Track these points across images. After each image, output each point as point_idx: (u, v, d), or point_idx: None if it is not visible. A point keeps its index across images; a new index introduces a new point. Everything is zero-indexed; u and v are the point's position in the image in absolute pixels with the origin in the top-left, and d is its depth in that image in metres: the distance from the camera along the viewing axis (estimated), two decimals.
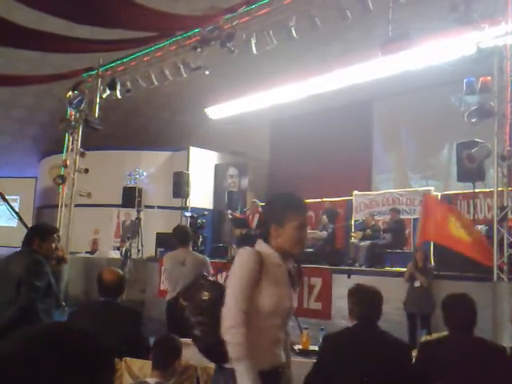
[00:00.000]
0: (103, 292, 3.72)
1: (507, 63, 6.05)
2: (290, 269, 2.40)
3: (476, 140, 6.68)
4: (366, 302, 3.10)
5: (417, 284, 7.32)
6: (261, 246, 2.36)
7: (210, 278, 2.58)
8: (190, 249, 5.87)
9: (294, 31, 7.90)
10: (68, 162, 11.55)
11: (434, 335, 3.98)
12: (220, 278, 10.10)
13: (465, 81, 6.38)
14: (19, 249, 4.10)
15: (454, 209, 8.45)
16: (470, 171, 7.25)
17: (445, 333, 3.23)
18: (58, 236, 11.75)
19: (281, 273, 2.33)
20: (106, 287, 3.72)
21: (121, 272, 3.98)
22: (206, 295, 2.35)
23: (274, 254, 2.32)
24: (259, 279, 2.23)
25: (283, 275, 2.34)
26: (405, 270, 7.73)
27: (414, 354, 3.25)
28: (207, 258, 5.93)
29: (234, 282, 2.25)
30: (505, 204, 6.02)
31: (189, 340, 4.40)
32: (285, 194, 2.49)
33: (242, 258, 2.30)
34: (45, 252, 3.98)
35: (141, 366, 3.51)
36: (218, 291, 2.32)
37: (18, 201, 18.86)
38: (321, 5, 7.67)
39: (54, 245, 4.10)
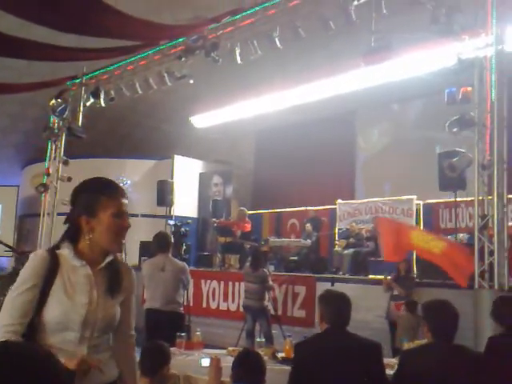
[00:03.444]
0: None
1: (487, 74, 6.15)
2: (117, 268, 2.12)
3: (457, 149, 6.78)
4: (335, 306, 3.16)
5: (395, 293, 7.39)
6: (62, 246, 2.07)
7: None
8: (170, 255, 5.86)
9: (278, 41, 7.96)
10: (51, 171, 11.46)
11: (416, 342, 4.02)
12: (204, 287, 10.12)
13: (446, 91, 6.47)
14: None
15: (413, 226, 8.54)
16: (452, 180, 7.34)
17: (425, 340, 3.26)
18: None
19: (81, 276, 2.01)
20: None
21: None
22: None
23: (71, 255, 2.03)
24: (48, 286, 1.94)
25: (83, 280, 2.01)
26: (388, 278, 7.79)
27: (396, 361, 3.29)
28: (186, 266, 5.93)
29: (15, 287, 1.96)
30: (485, 212, 6.10)
31: (171, 349, 4.40)
32: (93, 178, 2.20)
33: (30, 261, 2.01)
34: None
35: None
36: None
37: (0, 209, 18.65)
38: (304, 15, 7.75)
39: None
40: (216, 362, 3.86)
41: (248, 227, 11.49)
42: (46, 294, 1.92)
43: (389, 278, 7.54)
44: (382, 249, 8.10)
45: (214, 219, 12.56)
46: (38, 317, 1.91)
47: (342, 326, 3.12)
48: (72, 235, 2.08)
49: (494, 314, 3.69)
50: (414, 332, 6.55)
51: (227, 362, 3.85)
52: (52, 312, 1.93)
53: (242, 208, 12.01)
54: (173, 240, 6.46)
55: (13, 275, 3.80)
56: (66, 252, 2.03)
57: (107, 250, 2.09)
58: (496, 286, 5.88)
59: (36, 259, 1.99)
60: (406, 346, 4.38)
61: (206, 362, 4.22)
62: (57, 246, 2.08)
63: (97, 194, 2.07)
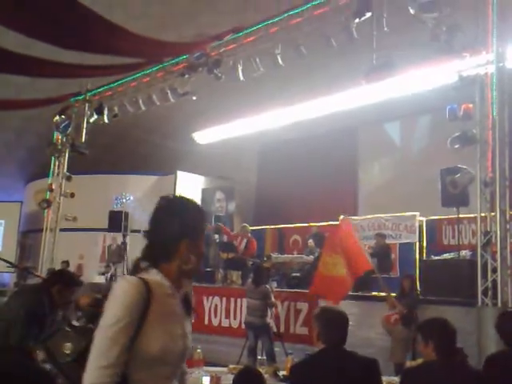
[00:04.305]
0: (85, 318, 3.69)
1: (488, 91, 6.18)
2: (187, 293, 1.94)
3: (459, 166, 6.78)
4: (332, 324, 3.10)
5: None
6: (150, 272, 1.83)
7: (77, 324, 1.83)
8: None
9: (279, 59, 8.03)
10: (54, 186, 11.51)
11: (418, 360, 3.98)
12: (206, 302, 10.08)
13: (447, 108, 6.50)
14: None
15: (325, 247, 8.29)
16: (454, 197, 7.33)
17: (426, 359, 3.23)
18: (67, 262, 11.21)
19: (173, 305, 1.83)
20: (81, 311, 3.69)
21: (98, 296, 3.92)
22: (68, 348, 1.83)
23: (164, 282, 1.82)
24: (143, 318, 1.71)
25: (176, 308, 1.84)
26: (392, 294, 7.75)
27: (398, 379, 3.26)
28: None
29: (108, 323, 1.70)
30: (488, 229, 6.08)
31: None
32: (186, 200, 1.97)
33: (121, 291, 1.75)
34: (60, 300, 3.76)
35: None
36: (84, 342, 1.81)
37: (3, 225, 18.67)
38: (306, 33, 7.82)
39: (71, 297, 3.89)
40: (216, 381, 3.84)
41: (254, 246, 11.40)
42: (140, 327, 1.70)
43: (392, 295, 7.48)
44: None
45: (219, 223, 12.52)
46: (131, 352, 1.69)
47: (338, 345, 3.08)
48: (159, 257, 1.84)
49: (497, 329, 3.66)
50: (406, 344, 6.64)
51: (228, 380, 3.82)
52: (150, 346, 1.71)
53: (244, 224, 12.00)
54: None
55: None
56: (156, 278, 1.80)
57: (190, 272, 1.90)
58: (499, 304, 5.84)
59: (130, 289, 1.73)
60: (409, 363, 4.34)
61: (206, 381, 4.20)
62: (136, 269, 1.85)
63: (200, 217, 1.91)
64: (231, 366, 4.90)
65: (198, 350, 5.04)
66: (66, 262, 11.98)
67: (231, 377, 3.64)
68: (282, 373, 4.67)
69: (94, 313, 3.45)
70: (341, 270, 7.14)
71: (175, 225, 1.84)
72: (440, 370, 3.04)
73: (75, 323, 1.82)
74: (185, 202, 1.95)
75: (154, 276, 1.80)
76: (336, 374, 2.98)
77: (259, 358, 6.13)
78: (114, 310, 1.70)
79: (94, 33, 7.64)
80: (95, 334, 1.70)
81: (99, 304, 3.74)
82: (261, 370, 3.93)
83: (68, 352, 1.65)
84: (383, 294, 8.37)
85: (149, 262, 1.84)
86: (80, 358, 1.71)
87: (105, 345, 1.67)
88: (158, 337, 1.72)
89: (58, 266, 11.61)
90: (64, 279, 3.93)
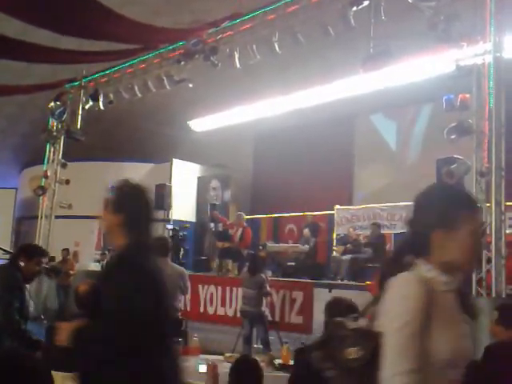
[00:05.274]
0: (80, 306, 3.70)
1: (485, 81, 6.16)
2: (459, 290, 1.77)
3: (455, 156, 6.77)
4: (340, 315, 3.11)
5: None
6: (420, 267, 1.70)
7: (354, 326, 1.75)
8: (169, 260, 5.83)
9: (276, 46, 7.98)
10: (49, 173, 11.46)
11: None
12: (202, 292, 10.09)
13: (444, 98, 6.48)
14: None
15: None
16: None
17: None
18: (67, 250, 11.46)
19: (451, 302, 1.70)
20: (82, 303, 3.71)
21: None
22: (353, 352, 1.67)
23: (439, 277, 1.68)
24: (428, 319, 1.60)
25: (454, 305, 1.71)
26: None
27: None
28: (185, 271, 5.90)
29: (396, 327, 1.58)
30: (483, 220, 6.09)
31: None
32: (447, 187, 1.85)
33: (406, 290, 1.63)
34: (27, 272, 3.97)
35: None
36: (371, 345, 1.64)
37: None
38: (303, 21, 7.76)
39: (38, 267, 4.09)
40: (213, 369, 3.85)
41: (249, 236, 11.36)
42: (428, 330, 1.59)
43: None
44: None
45: (214, 211, 12.50)
46: (422, 357, 1.58)
47: None
48: (421, 250, 1.72)
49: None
50: None
51: (224, 368, 3.84)
52: (440, 350, 1.60)
53: (239, 213, 11.98)
54: (171, 244, 6.44)
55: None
56: (429, 273, 1.68)
57: (461, 268, 1.75)
58: (493, 294, 5.87)
59: (413, 289, 1.62)
60: None
61: (203, 369, 4.21)
62: (400, 263, 1.74)
63: (458, 207, 1.73)
64: (227, 355, 4.92)
65: (195, 339, 5.05)
66: (66, 250, 11.97)
67: (227, 365, 3.66)
68: (278, 361, 4.68)
69: (93, 301, 3.51)
70: None
71: (432, 213, 1.73)
72: None
73: (354, 326, 1.57)
74: (444, 189, 1.89)
75: (427, 272, 1.69)
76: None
77: (255, 346, 6.14)
78: (401, 313, 1.59)
79: (90, 18, 7.58)
80: (382, 337, 1.60)
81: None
82: (257, 358, 3.94)
83: (353, 357, 1.58)
84: None
85: (413, 254, 1.74)
86: (369, 363, 1.60)
87: (398, 350, 1.56)
88: (445, 337, 1.61)
89: (53, 253, 11.63)
90: (26, 252, 4.09)
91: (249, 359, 3.46)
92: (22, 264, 3.94)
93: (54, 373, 3.18)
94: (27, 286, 4.11)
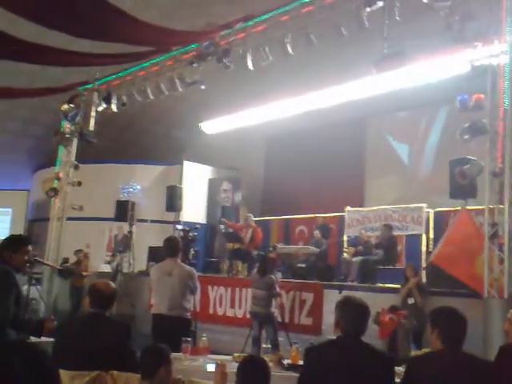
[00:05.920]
0: (95, 302, 3.69)
1: (500, 81, 6.11)
2: None
3: (468, 157, 6.72)
4: (352, 314, 3.09)
5: (411, 301, 7.29)
6: None
7: None
8: (179, 260, 5.82)
9: (289, 48, 7.97)
10: (61, 175, 11.53)
11: (424, 350, 3.95)
12: (211, 292, 10.08)
13: (458, 98, 6.42)
14: None
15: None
16: (462, 188, 7.27)
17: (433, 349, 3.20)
18: (81, 251, 11.51)
19: None
20: (99, 297, 3.69)
21: (113, 285, 3.95)
22: None
23: None
24: None
25: None
26: (397, 286, 7.71)
27: (403, 369, 3.23)
28: (194, 271, 5.88)
29: None
30: (496, 221, 6.03)
31: (176, 354, 4.37)
32: None
33: None
34: (15, 264, 3.91)
35: (127, 380, 3.45)
36: None
37: (11, 213, 18.77)
38: (316, 22, 7.75)
39: (26, 257, 4.01)
40: (221, 368, 3.82)
41: (259, 235, 11.35)
42: None
43: (412, 281, 7.41)
44: (438, 247, 7.71)
45: (222, 219, 12.52)
46: None
47: (356, 335, 3.05)
48: None
49: None
50: (407, 335, 6.73)
51: (233, 367, 3.80)
52: None
53: (248, 214, 11.97)
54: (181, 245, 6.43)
55: None
56: None
57: None
58: (506, 295, 5.80)
59: None
60: (414, 353, 4.31)
61: (211, 368, 4.19)
62: None
63: None
64: (236, 355, 4.88)
65: (204, 338, 5.03)
66: (80, 251, 12.01)
67: (236, 365, 3.62)
68: (286, 361, 4.64)
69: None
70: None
71: None
72: (445, 360, 3.01)
73: None
74: None
75: None
76: (347, 363, 2.95)
77: (263, 346, 6.10)
78: None
79: (104, 21, 7.61)
80: None
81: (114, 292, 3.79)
82: (265, 358, 3.91)
83: None
84: (388, 285, 8.38)
85: None
86: None
87: None
88: None
89: (65, 254, 11.69)
90: (9, 245, 3.99)
91: (256, 358, 3.42)
92: (9, 258, 3.88)
93: (64, 372, 3.21)
94: (38, 287, 4.06)
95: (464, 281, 6.68)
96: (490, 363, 3.26)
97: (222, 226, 12.49)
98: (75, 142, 11.56)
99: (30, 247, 4.05)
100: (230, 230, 12.03)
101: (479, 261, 6.33)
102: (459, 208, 8.44)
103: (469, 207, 8.22)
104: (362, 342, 3.06)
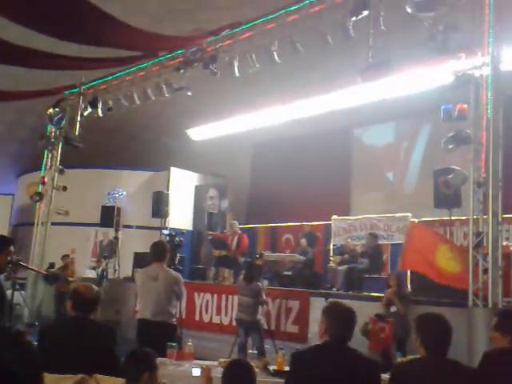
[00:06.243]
0: (77, 306, 3.64)
1: (483, 92, 6.19)
2: None
3: (452, 167, 6.79)
4: (339, 320, 3.10)
5: (393, 309, 7.32)
6: None
7: None
8: (165, 265, 5.80)
9: (276, 55, 8.02)
10: (46, 180, 11.45)
11: (409, 357, 3.97)
12: (197, 299, 10.03)
13: (442, 108, 6.50)
14: None
15: (446, 238, 8.16)
16: (447, 197, 7.34)
17: (418, 355, 3.22)
18: (68, 256, 11.38)
19: None
20: (81, 301, 3.64)
21: (96, 288, 3.91)
22: None
23: None
24: None
25: None
26: (382, 295, 7.74)
27: (388, 376, 3.25)
28: (180, 276, 5.86)
29: None
30: (480, 230, 6.09)
31: (162, 359, 4.35)
32: None
33: None
34: None
35: None
36: None
37: None
38: (303, 30, 7.81)
39: (8, 257, 3.99)
40: (207, 373, 3.82)
41: (245, 241, 11.33)
42: None
43: (389, 291, 7.44)
44: (401, 256, 7.87)
45: (209, 231, 12.52)
46: None
47: (343, 341, 3.07)
48: None
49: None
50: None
51: (218, 373, 3.80)
52: None
53: (232, 221, 11.96)
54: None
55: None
56: None
57: None
58: (490, 305, 5.85)
59: None
60: (399, 360, 4.34)
61: (196, 372, 4.18)
62: None
63: None
64: (221, 360, 4.87)
65: (189, 343, 5.01)
66: (67, 256, 11.90)
67: (221, 370, 3.62)
68: (272, 367, 4.65)
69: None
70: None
71: None
72: (428, 367, 3.03)
73: None
74: None
75: None
76: (333, 369, 2.96)
77: (250, 352, 6.09)
78: None
79: (92, 25, 7.60)
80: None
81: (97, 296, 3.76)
82: (251, 363, 3.91)
83: None
84: (373, 293, 8.41)
85: None
86: None
87: None
88: None
89: (50, 260, 11.57)
90: None
91: (242, 362, 3.41)
92: None
93: (48, 375, 3.17)
94: (22, 292, 4.04)
95: (435, 279, 6.82)
96: (474, 370, 3.30)
97: (209, 231, 12.49)
98: (60, 146, 11.49)
99: (12, 248, 4.02)
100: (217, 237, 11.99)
101: (439, 253, 6.50)
102: (446, 218, 8.55)
103: (453, 217, 8.33)
104: (348, 348, 3.07)
